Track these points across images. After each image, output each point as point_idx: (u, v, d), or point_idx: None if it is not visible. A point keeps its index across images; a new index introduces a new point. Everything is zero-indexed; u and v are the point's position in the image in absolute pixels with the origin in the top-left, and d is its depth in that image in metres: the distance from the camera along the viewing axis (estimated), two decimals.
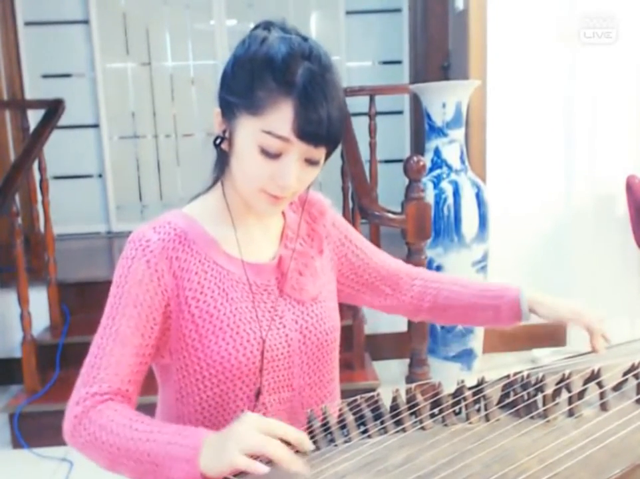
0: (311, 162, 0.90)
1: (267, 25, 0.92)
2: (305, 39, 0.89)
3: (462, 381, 0.94)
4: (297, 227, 1.05)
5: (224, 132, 0.93)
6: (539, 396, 0.91)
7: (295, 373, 0.98)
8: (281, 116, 0.85)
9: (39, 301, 2.81)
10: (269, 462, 0.75)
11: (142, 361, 0.92)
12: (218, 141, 0.94)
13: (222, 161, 0.97)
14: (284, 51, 0.86)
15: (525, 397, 0.92)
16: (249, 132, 0.88)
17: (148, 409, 0.95)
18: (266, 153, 0.87)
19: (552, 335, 3.17)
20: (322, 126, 0.85)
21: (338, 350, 1.06)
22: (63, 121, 3.08)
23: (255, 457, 0.75)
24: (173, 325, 0.93)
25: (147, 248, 0.91)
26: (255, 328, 0.93)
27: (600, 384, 0.94)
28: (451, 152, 2.74)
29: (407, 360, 2.41)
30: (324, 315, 1.01)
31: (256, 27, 0.94)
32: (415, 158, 2.17)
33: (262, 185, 0.90)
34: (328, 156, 0.93)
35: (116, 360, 0.89)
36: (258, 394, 0.94)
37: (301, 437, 0.78)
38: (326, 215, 1.10)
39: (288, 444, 0.77)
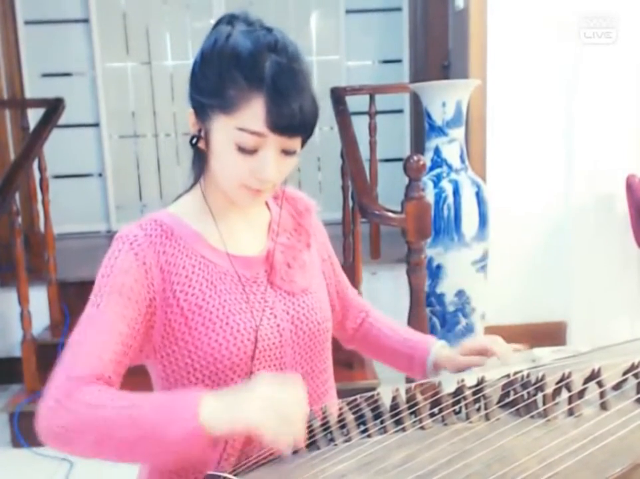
0: (287, 153, 0.91)
1: (230, 20, 0.92)
2: (270, 30, 0.90)
3: (462, 380, 0.94)
4: (282, 220, 1.06)
5: (199, 131, 0.94)
6: (539, 396, 0.91)
7: (287, 363, 0.98)
8: (254, 112, 0.86)
9: (39, 300, 2.81)
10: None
11: (125, 351, 0.89)
12: (194, 141, 0.95)
13: (200, 161, 0.98)
14: (249, 46, 0.87)
15: (525, 396, 0.92)
16: (224, 131, 0.89)
17: None
18: (243, 149, 0.89)
19: (552, 335, 3.17)
20: (295, 117, 0.87)
21: (330, 341, 1.07)
22: (63, 120, 3.09)
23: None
24: (158, 322, 0.93)
25: (135, 242, 0.92)
26: (245, 318, 0.94)
27: (600, 384, 0.94)
28: (451, 151, 2.74)
29: None
30: (315, 306, 1.02)
31: (219, 22, 0.94)
32: (415, 157, 2.17)
33: (242, 181, 0.92)
34: (304, 143, 0.94)
35: (100, 346, 0.86)
36: None
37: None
38: (312, 213, 1.12)
39: None
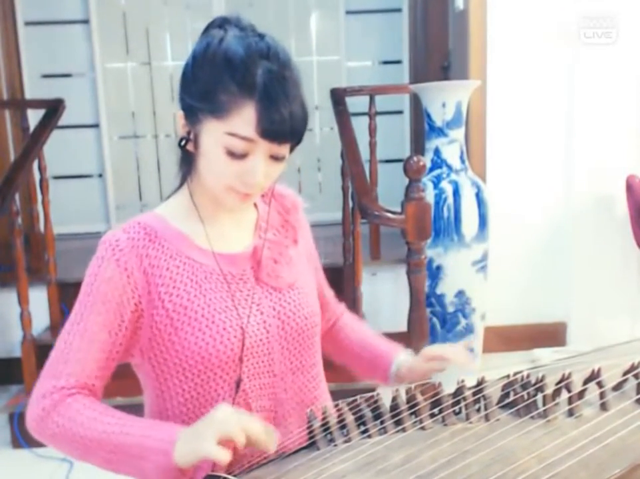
0: (276, 158, 0.92)
1: (222, 23, 0.94)
2: (262, 37, 0.91)
3: (462, 381, 0.94)
4: (269, 218, 1.07)
5: (188, 133, 0.95)
6: (539, 396, 0.91)
7: (276, 359, 0.99)
8: (245, 118, 0.87)
9: (39, 300, 2.81)
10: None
11: (109, 357, 0.93)
12: (183, 143, 0.96)
13: (187, 162, 1.00)
14: (242, 52, 0.88)
15: (525, 397, 0.92)
16: (214, 135, 0.90)
17: (136, 410, 0.96)
18: (232, 154, 0.89)
19: (552, 335, 3.17)
20: (286, 124, 0.87)
21: (319, 336, 1.07)
22: (63, 121, 3.08)
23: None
24: (146, 323, 0.94)
25: (116, 247, 0.93)
26: (231, 316, 0.94)
27: (600, 384, 0.94)
28: (451, 152, 2.74)
29: None
30: (302, 301, 1.02)
31: (211, 24, 0.96)
32: (415, 158, 2.17)
33: (230, 185, 0.93)
34: (292, 149, 0.95)
35: (83, 355, 0.91)
36: (239, 382, 0.94)
37: (267, 438, 0.78)
38: (299, 210, 1.12)
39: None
